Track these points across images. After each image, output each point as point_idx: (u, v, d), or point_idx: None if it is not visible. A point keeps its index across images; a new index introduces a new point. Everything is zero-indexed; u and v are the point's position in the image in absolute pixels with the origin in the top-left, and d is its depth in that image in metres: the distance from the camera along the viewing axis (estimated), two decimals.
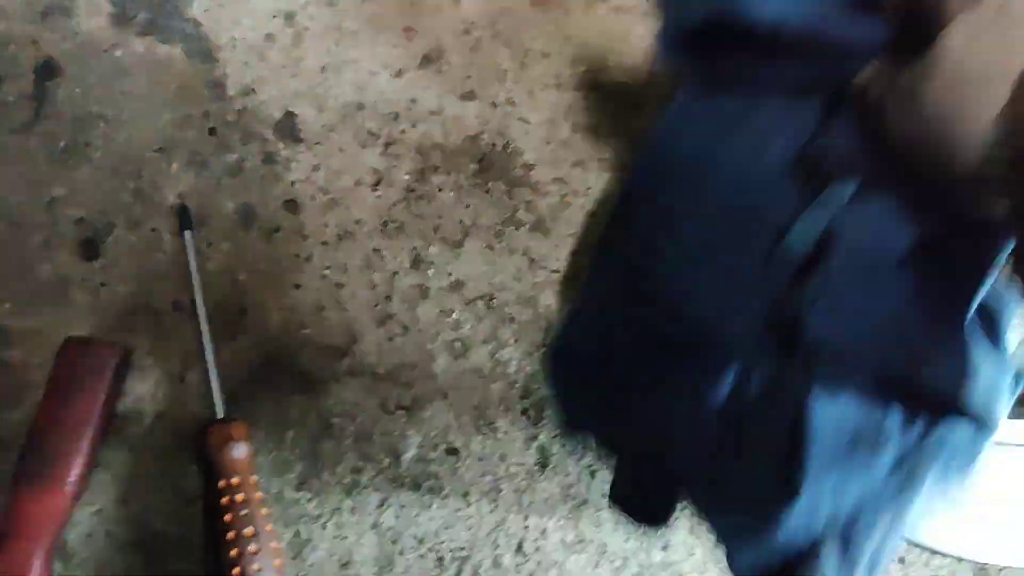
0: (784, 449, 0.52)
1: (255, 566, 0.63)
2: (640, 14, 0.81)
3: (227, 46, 0.77)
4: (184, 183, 0.73)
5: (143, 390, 0.70)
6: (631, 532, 0.71)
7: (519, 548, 0.70)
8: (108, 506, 0.67)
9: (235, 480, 0.65)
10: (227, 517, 0.64)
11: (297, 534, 0.68)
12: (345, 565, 0.68)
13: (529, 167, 0.77)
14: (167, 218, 0.72)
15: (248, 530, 0.63)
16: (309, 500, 0.69)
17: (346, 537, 0.69)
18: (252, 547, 0.63)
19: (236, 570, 0.62)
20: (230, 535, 0.63)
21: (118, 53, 0.75)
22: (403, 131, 0.77)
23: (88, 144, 0.73)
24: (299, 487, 0.69)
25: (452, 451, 0.71)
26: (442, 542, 0.69)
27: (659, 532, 0.71)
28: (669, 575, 0.70)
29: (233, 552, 0.63)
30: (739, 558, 0.56)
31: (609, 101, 0.79)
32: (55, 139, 0.73)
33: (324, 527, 0.69)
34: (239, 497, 0.64)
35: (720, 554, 0.67)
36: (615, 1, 0.81)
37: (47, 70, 0.74)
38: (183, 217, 0.72)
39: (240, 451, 0.66)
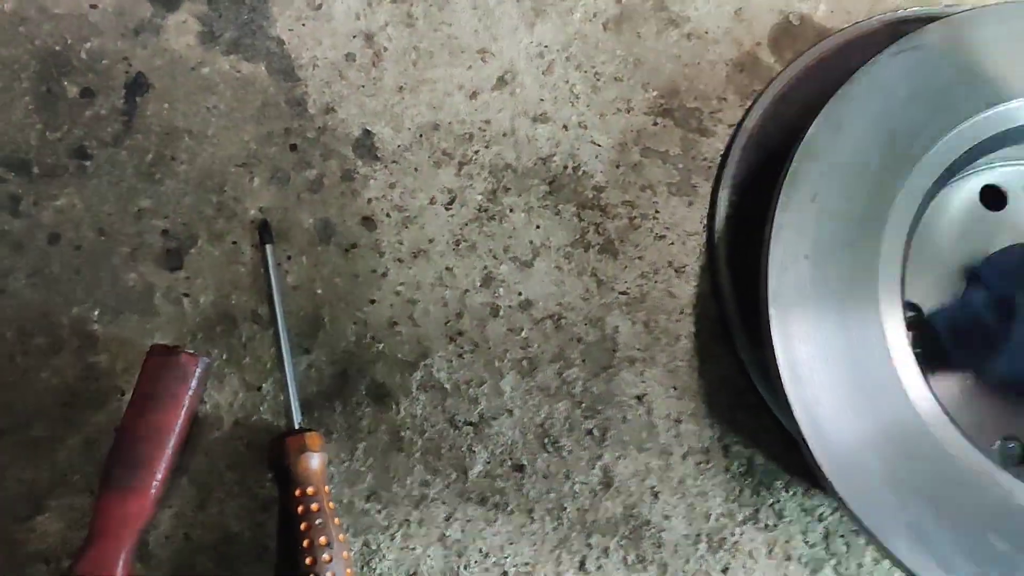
0: None
1: (329, 574, 0.65)
2: (711, 41, 0.82)
3: (308, 65, 0.79)
4: (265, 198, 0.76)
5: (222, 398, 0.72)
6: (691, 555, 0.72)
7: (582, 566, 0.71)
8: (186, 509, 0.70)
9: (310, 490, 0.67)
10: (303, 526, 0.66)
11: (366, 544, 0.70)
12: None
13: (599, 189, 0.78)
14: (248, 231, 0.75)
15: (322, 539, 0.65)
16: (379, 511, 0.71)
17: (414, 549, 0.71)
18: (326, 556, 0.65)
19: None
20: (305, 543, 0.65)
21: (205, 70, 0.78)
22: (476, 151, 0.78)
23: (174, 158, 0.76)
24: (369, 498, 0.71)
25: (518, 468, 0.73)
26: (506, 557, 0.71)
27: (718, 556, 0.72)
28: None
29: (308, 560, 0.65)
30: None
31: (679, 127, 0.80)
32: (143, 152, 0.76)
33: (392, 538, 0.71)
34: (314, 507, 0.66)
35: None
36: (687, 28, 0.82)
37: (137, 86, 0.77)
38: (264, 231, 0.74)
39: (316, 462, 0.68)
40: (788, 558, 0.72)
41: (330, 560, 0.65)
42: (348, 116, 0.78)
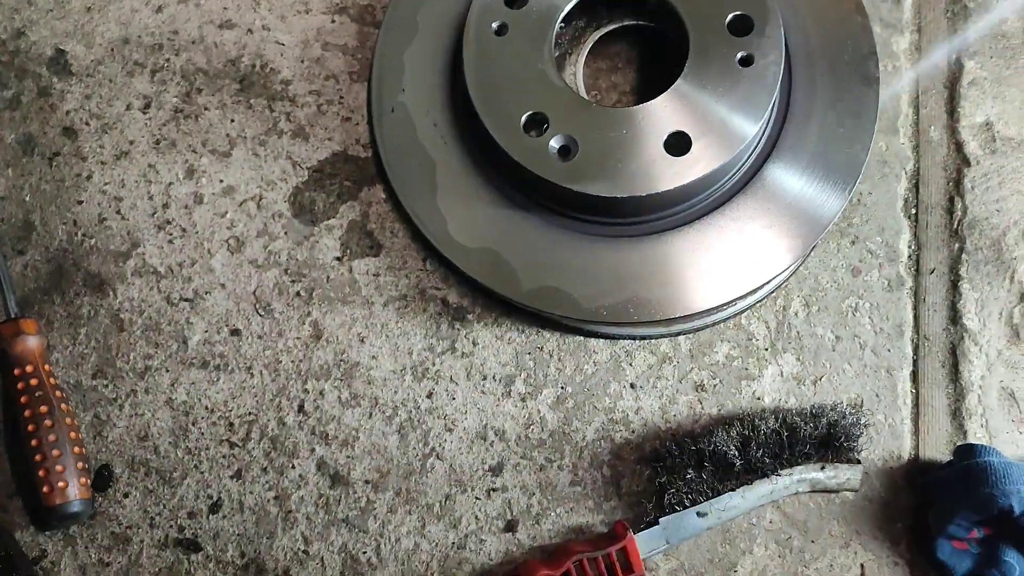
0: None
1: (51, 437, 0.71)
2: None
3: None
4: None
5: None
6: (398, 386, 0.82)
7: (301, 408, 0.80)
8: None
9: (29, 368, 0.73)
10: (23, 399, 0.72)
11: (96, 416, 0.77)
12: (143, 438, 0.77)
13: (287, 83, 0.87)
14: None
15: (43, 408, 0.72)
16: (105, 386, 0.78)
17: (143, 414, 0.78)
18: (47, 422, 0.71)
19: (34, 442, 0.71)
20: (27, 413, 0.72)
21: None
22: (168, 59, 0.85)
23: None
24: (95, 375, 0.78)
25: (235, 332, 0.81)
26: (231, 410, 0.79)
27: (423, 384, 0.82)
28: (435, 418, 0.82)
29: (30, 428, 0.71)
30: None
31: (355, 22, 0.89)
32: None
33: (121, 408, 0.78)
34: (33, 381, 0.73)
35: (478, 395, 0.78)
36: None
37: None
38: None
39: (32, 343, 0.74)
40: (484, 377, 0.83)
41: (52, 425, 0.71)
42: (40, 38, 0.84)
